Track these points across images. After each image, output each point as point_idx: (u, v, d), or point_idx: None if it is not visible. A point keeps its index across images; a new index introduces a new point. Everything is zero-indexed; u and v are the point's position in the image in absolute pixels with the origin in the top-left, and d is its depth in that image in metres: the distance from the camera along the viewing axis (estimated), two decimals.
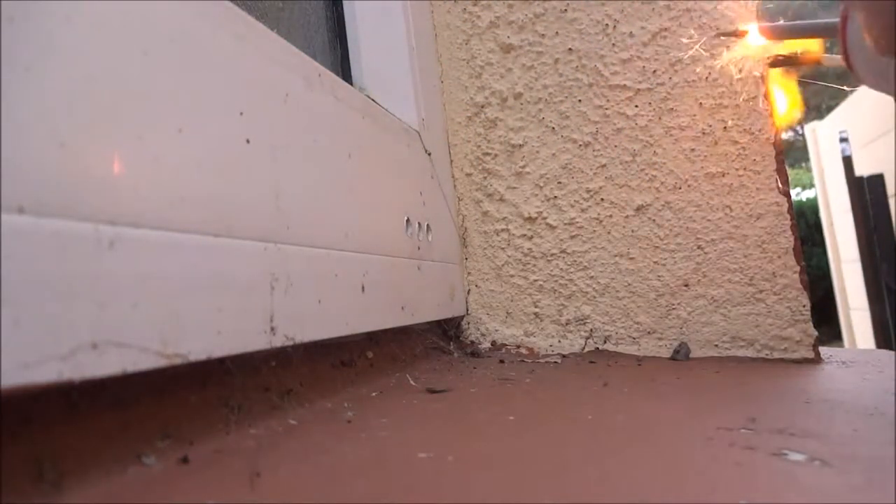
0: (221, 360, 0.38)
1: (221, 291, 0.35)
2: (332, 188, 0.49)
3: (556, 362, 0.70)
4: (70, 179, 0.27)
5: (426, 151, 0.72)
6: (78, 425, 0.29)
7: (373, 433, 0.39)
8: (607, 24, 0.75)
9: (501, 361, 0.70)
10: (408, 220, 0.63)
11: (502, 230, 0.79)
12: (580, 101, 0.76)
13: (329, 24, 0.73)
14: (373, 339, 0.58)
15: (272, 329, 0.39)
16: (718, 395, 0.51)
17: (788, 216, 0.69)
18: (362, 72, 0.71)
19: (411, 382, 0.56)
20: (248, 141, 0.40)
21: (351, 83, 0.70)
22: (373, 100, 0.63)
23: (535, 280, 0.77)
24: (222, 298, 0.35)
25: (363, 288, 0.52)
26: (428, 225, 0.69)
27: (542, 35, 0.77)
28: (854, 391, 0.54)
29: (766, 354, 0.69)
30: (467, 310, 0.79)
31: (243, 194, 0.39)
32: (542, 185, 0.77)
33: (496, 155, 0.79)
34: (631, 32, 0.74)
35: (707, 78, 0.72)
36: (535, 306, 0.78)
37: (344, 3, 0.74)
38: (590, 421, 0.42)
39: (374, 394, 0.52)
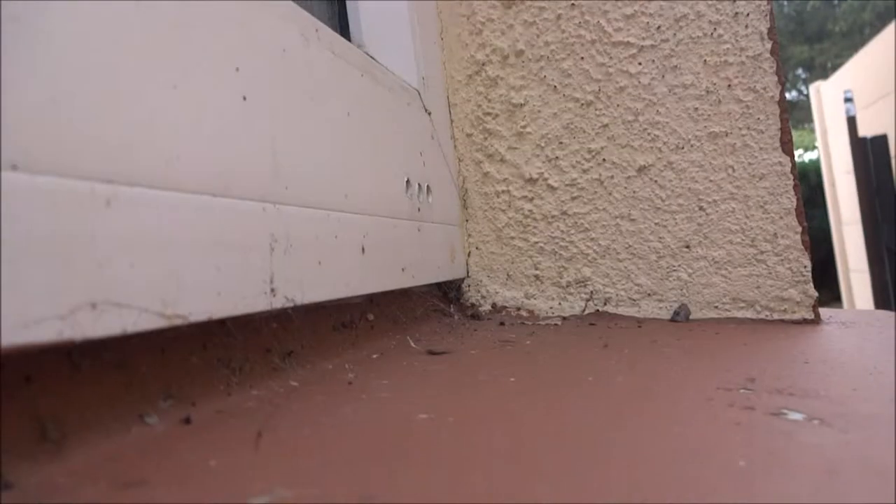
0: (222, 322, 0.37)
1: (220, 252, 0.35)
2: (330, 147, 0.49)
3: (556, 324, 0.70)
4: (64, 136, 0.27)
5: (426, 111, 0.71)
6: (80, 385, 0.29)
7: (373, 394, 0.39)
8: None
9: (502, 324, 0.71)
10: (408, 181, 0.63)
11: (503, 192, 0.78)
12: (582, 58, 0.74)
13: None
14: (373, 301, 0.58)
15: (272, 290, 0.39)
16: (718, 356, 0.52)
17: (791, 177, 0.69)
18: (361, 28, 0.70)
19: (412, 344, 0.57)
20: (244, 98, 0.39)
21: (349, 39, 0.68)
22: (372, 57, 0.61)
23: (536, 242, 0.77)
24: (221, 259, 0.35)
25: (363, 249, 0.52)
26: (428, 186, 0.68)
27: None
28: (853, 351, 0.54)
29: (766, 315, 0.69)
30: (468, 272, 0.79)
31: (241, 153, 0.38)
32: (543, 145, 0.76)
33: (497, 115, 0.78)
34: None
35: (712, 34, 0.70)
36: (536, 268, 0.77)
37: None
38: (590, 382, 0.42)
39: (374, 355, 0.52)
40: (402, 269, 0.59)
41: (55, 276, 0.25)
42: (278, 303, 0.39)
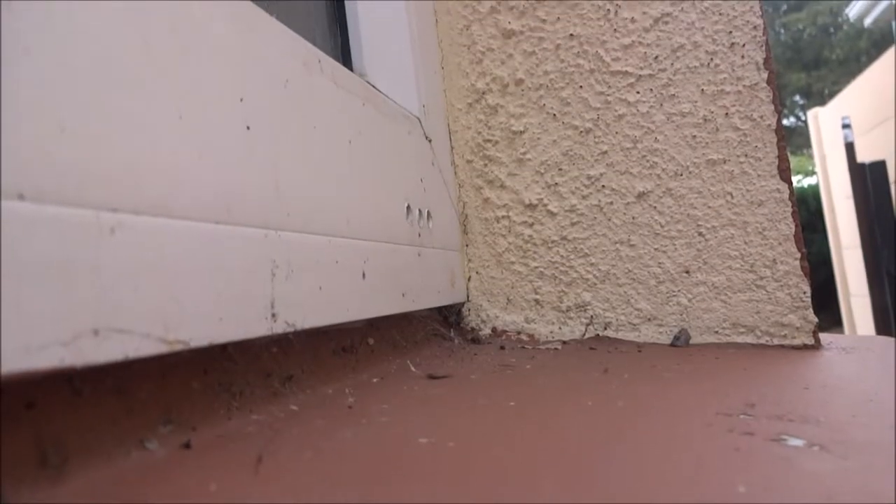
0: (223, 347, 0.38)
1: (222, 278, 0.35)
2: (332, 174, 0.49)
3: (556, 349, 0.70)
4: (71, 166, 0.27)
5: (427, 138, 0.72)
6: (81, 410, 0.29)
7: (374, 419, 0.39)
8: (609, 10, 0.75)
9: (502, 348, 0.71)
10: (408, 207, 0.63)
11: (503, 217, 0.79)
12: (581, 87, 0.76)
13: (329, 9, 0.73)
14: (374, 325, 0.59)
15: (273, 315, 0.39)
16: (718, 381, 0.52)
17: (790, 203, 0.69)
18: (362, 57, 0.71)
19: (412, 368, 0.57)
20: (248, 127, 0.39)
21: (351, 69, 0.70)
22: (373, 86, 0.63)
23: (536, 267, 0.78)
24: (223, 285, 0.35)
25: (364, 274, 0.52)
26: (429, 212, 0.69)
27: (543, 20, 0.77)
28: (853, 377, 0.54)
29: (767, 341, 0.69)
30: (468, 296, 0.80)
31: (244, 181, 0.39)
32: (542, 171, 0.77)
33: (497, 141, 0.79)
34: (633, 18, 0.74)
35: (709, 64, 0.72)
36: (536, 293, 0.78)
37: None
38: (590, 407, 0.42)
39: (374, 380, 0.52)
40: (403, 294, 0.60)
41: (59, 303, 0.26)
42: (279, 328, 0.40)
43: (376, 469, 0.30)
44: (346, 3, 0.73)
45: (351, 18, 0.72)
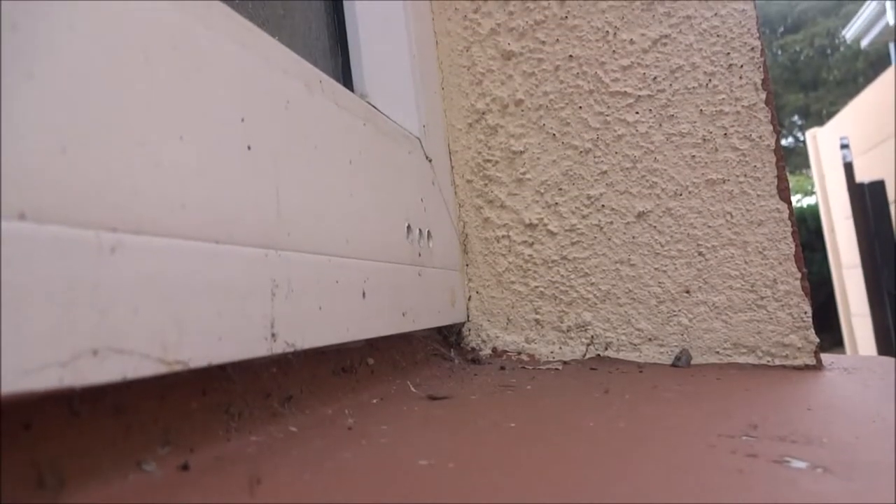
0: (222, 367, 0.38)
1: (222, 298, 0.35)
2: (333, 194, 0.49)
3: (557, 369, 0.70)
4: (71, 186, 0.27)
5: (427, 158, 0.72)
6: (78, 432, 0.29)
7: (373, 440, 0.39)
8: (608, 31, 0.75)
9: (502, 368, 0.70)
10: (409, 227, 0.63)
11: (503, 237, 0.79)
12: (581, 107, 0.76)
13: (330, 30, 0.73)
14: (373, 345, 0.58)
15: (273, 335, 0.39)
16: (720, 402, 0.51)
17: (789, 223, 0.69)
18: (363, 78, 0.72)
19: (412, 389, 0.56)
20: (249, 147, 0.40)
21: (352, 90, 0.70)
22: (374, 106, 0.63)
23: (536, 286, 0.77)
24: (223, 305, 0.35)
25: (364, 294, 0.52)
26: (429, 231, 0.69)
27: (543, 42, 0.78)
28: (856, 398, 0.54)
29: (768, 361, 0.69)
30: (468, 316, 0.79)
31: (244, 201, 0.39)
32: (542, 191, 0.77)
33: (497, 161, 0.79)
34: (631, 39, 0.75)
35: (707, 85, 0.72)
36: (536, 313, 0.78)
37: (345, 10, 0.74)
38: (591, 428, 0.42)
39: (374, 400, 0.51)
40: (403, 314, 0.59)
41: (58, 323, 0.25)
42: (279, 348, 0.40)
43: (376, 491, 0.30)
44: (347, 25, 0.74)
45: (352, 39, 0.73)
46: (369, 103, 0.63)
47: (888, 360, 0.77)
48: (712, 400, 0.52)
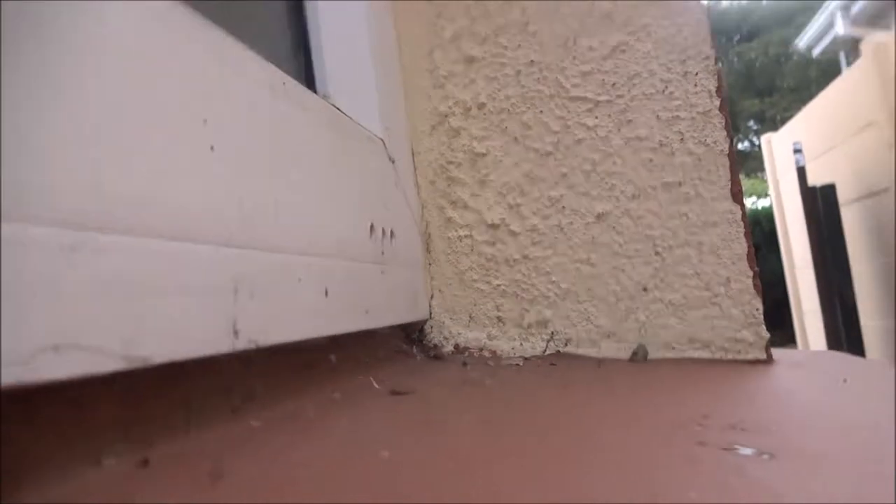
0: (183, 363, 0.38)
1: (184, 295, 0.35)
2: (296, 194, 0.50)
3: (518, 365, 0.71)
4: (31, 184, 0.27)
5: (390, 159, 0.72)
6: (37, 427, 0.29)
7: (335, 434, 0.40)
8: (568, 38, 0.77)
9: (464, 364, 0.71)
10: (372, 226, 0.64)
11: (465, 236, 0.80)
12: (542, 111, 0.78)
13: (293, 31, 0.73)
14: (336, 342, 0.59)
15: (235, 332, 0.39)
16: (674, 394, 0.53)
17: (742, 224, 0.72)
18: (326, 80, 0.72)
19: (374, 385, 0.57)
20: (212, 148, 0.40)
21: (315, 91, 0.70)
22: (337, 108, 0.63)
23: (498, 285, 0.79)
24: (185, 302, 0.35)
25: (327, 292, 0.52)
26: (392, 231, 0.69)
27: (505, 47, 0.79)
28: (802, 390, 0.56)
29: (721, 356, 0.71)
30: (430, 314, 0.80)
31: (207, 200, 0.39)
32: (504, 192, 0.79)
33: (460, 163, 0.80)
34: (591, 46, 0.76)
35: (664, 91, 0.74)
36: (498, 310, 0.79)
37: (307, 11, 0.74)
38: (548, 421, 0.43)
39: (336, 395, 0.52)
40: (366, 311, 0.60)
41: (18, 319, 0.25)
42: (241, 344, 0.40)
43: (337, 483, 0.30)
44: (309, 26, 0.74)
45: (314, 41, 0.73)
46: (332, 105, 0.64)
47: (835, 354, 0.81)
48: (666, 392, 0.54)
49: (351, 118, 0.65)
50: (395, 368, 0.67)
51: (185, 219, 0.36)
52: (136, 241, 0.33)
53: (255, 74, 0.46)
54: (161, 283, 0.34)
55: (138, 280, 0.32)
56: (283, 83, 0.50)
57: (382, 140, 0.71)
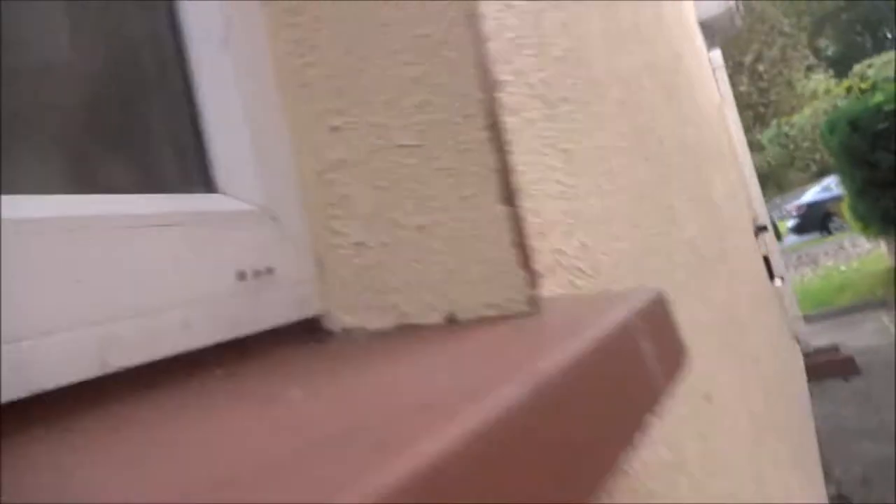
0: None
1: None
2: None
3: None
4: None
5: (272, 218, 0.70)
6: None
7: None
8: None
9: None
10: (241, 272, 0.61)
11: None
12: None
13: (193, 128, 0.62)
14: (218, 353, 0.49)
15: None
16: None
17: None
18: (218, 170, 0.68)
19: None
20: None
21: (216, 183, 0.69)
22: (226, 194, 0.64)
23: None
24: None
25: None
26: (268, 267, 0.67)
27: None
28: None
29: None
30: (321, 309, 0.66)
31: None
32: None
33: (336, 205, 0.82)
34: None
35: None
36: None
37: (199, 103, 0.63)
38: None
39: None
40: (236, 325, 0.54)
41: None
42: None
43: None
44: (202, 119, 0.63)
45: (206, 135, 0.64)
46: (223, 193, 0.65)
47: None
48: None
49: (235, 197, 0.66)
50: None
51: None
52: None
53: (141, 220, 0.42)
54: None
55: None
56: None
57: (263, 205, 0.70)
